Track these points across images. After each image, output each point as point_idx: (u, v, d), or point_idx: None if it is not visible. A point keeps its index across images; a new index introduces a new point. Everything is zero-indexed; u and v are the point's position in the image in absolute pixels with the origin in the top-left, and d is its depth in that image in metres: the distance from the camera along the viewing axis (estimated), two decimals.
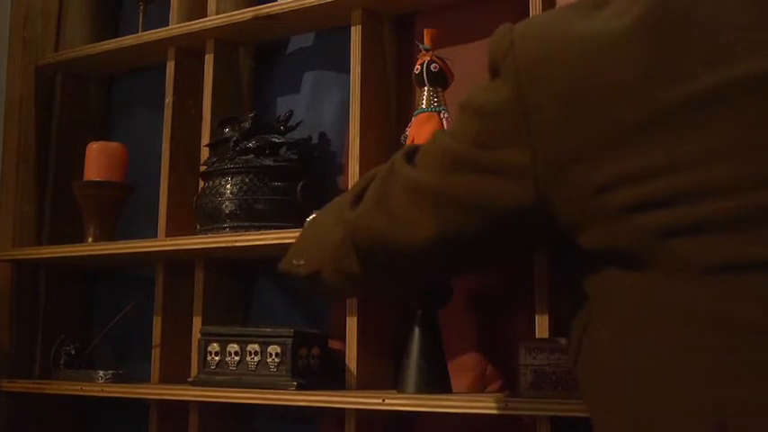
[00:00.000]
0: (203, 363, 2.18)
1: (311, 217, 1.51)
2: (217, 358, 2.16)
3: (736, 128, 0.94)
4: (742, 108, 0.94)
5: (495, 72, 1.07)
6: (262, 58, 2.56)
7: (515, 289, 2.04)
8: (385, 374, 2.13)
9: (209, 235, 2.26)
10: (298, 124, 2.35)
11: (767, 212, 0.93)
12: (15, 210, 2.66)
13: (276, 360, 2.09)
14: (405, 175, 1.19)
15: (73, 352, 2.51)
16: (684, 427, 0.96)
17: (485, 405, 1.78)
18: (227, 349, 2.15)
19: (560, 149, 1.01)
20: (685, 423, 0.96)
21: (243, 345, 2.13)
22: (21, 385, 2.51)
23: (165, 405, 2.35)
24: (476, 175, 1.09)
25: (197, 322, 2.34)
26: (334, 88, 2.40)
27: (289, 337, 2.08)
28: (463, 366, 2.08)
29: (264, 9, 2.32)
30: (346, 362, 2.09)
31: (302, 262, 1.39)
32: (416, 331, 1.95)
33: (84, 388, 2.38)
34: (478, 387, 2.07)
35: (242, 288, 2.48)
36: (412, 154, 1.21)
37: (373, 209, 1.24)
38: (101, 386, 2.36)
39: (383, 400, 1.89)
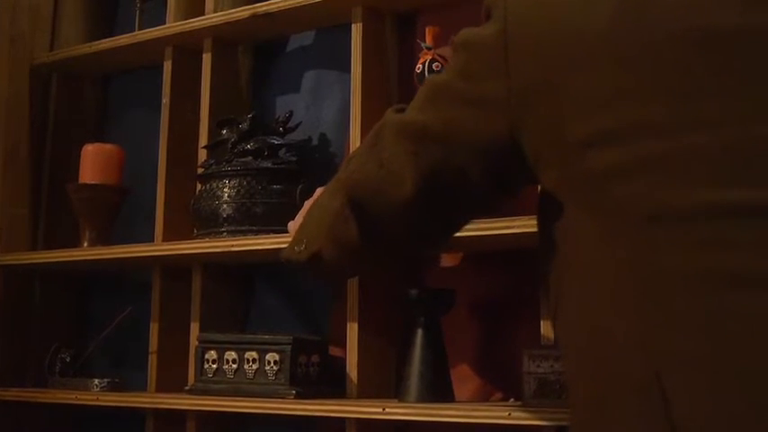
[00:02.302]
0: (200, 371, 2.13)
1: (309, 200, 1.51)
2: (214, 366, 2.11)
3: (679, 72, 0.99)
4: (688, 56, 0.99)
5: (487, 16, 1.15)
6: (261, 57, 2.52)
7: (520, 295, 1.99)
8: (387, 382, 2.08)
9: (206, 239, 2.20)
10: (297, 125, 2.30)
11: (698, 155, 0.97)
12: (4, 213, 2.60)
13: (275, 368, 2.04)
14: (392, 120, 1.27)
15: (68, 359, 2.46)
16: (629, 378, 1.00)
17: (487, 414, 1.74)
18: (225, 357, 2.10)
19: (530, 80, 1.09)
20: (630, 375, 1.00)
21: (241, 352, 2.09)
22: (14, 393, 2.46)
23: (161, 413, 2.30)
24: (457, 105, 1.17)
25: (194, 328, 2.29)
26: (335, 88, 2.35)
27: (287, 344, 2.04)
28: (467, 375, 2.04)
29: (262, 7, 2.27)
30: (347, 369, 2.04)
31: (303, 247, 1.39)
32: (418, 338, 1.91)
33: (78, 396, 2.33)
34: (483, 396, 2.02)
35: (240, 293, 2.43)
36: (402, 108, 1.29)
37: (366, 161, 1.29)
38: (96, 395, 2.31)
39: (383, 409, 1.85)
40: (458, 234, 1.73)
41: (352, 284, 2.05)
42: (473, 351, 2.06)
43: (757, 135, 0.96)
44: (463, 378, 2.02)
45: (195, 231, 2.28)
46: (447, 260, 2.13)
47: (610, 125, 1.01)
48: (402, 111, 1.28)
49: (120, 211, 2.50)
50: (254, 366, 2.06)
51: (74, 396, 2.34)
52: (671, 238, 0.97)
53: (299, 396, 1.99)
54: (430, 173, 1.20)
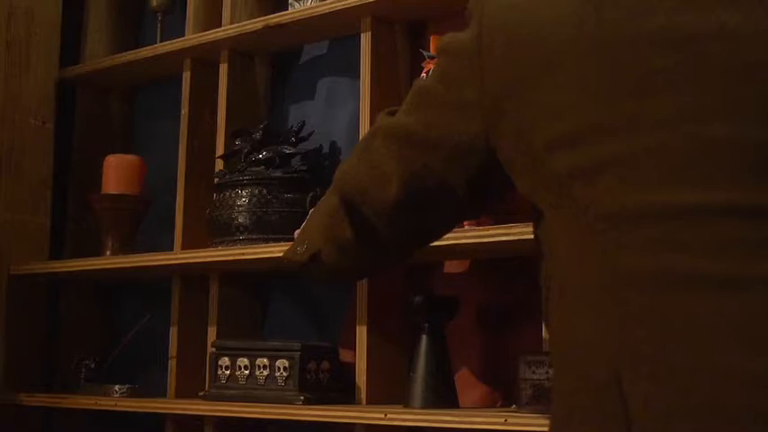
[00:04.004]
0: (214, 377, 2.17)
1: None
2: (227, 372, 2.15)
3: (635, 74, 1.01)
4: (644, 58, 1.00)
5: (470, 20, 1.17)
6: (277, 67, 2.55)
7: (525, 301, 1.98)
8: (397, 388, 2.08)
9: (220, 248, 2.23)
10: (310, 134, 2.32)
11: (649, 156, 0.98)
12: (28, 223, 2.65)
13: (284, 374, 2.07)
14: (383, 123, 1.29)
15: (92, 366, 2.51)
16: (592, 379, 1.01)
17: (484, 420, 1.75)
18: (237, 363, 2.14)
19: (501, 85, 1.10)
20: (593, 375, 1.01)
21: (252, 359, 2.12)
22: (39, 399, 2.51)
23: (180, 419, 2.34)
24: (436, 109, 1.20)
25: (212, 335, 2.32)
26: (348, 96, 2.37)
27: (296, 350, 2.06)
28: (472, 381, 2.04)
29: (275, 18, 2.30)
30: (356, 375, 2.06)
31: (304, 248, 1.42)
32: (423, 345, 1.92)
33: (98, 402, 2.38)
34: (489, 402, 2.02)
35: (257, 301, 2.46)
36: (395, 111, 1.31)
37: (359, 163, 1.32)
38: (115, 401, 2.36)
39: (385, 415, 1.86)
40: (456, 240, 1.77)
41: (362, 290, 2.07)
42: (478, 357, 2.06)
43: (707, 135, 0.97)
44: (469, 384, 2.03)
45: (211, 240, 2.32)
46: (452, 267, 2.13)
47: (572, 128, 1.03)
48: (394, 114, 1.30)
49: (142, 220, 2.55)
50: (265, 373, 2.09)
51: (94, 402, 2.39)
52: (626, 239, 0.98)
53: (307, 402, 2.02)
54: (413, 176, 1.22)
